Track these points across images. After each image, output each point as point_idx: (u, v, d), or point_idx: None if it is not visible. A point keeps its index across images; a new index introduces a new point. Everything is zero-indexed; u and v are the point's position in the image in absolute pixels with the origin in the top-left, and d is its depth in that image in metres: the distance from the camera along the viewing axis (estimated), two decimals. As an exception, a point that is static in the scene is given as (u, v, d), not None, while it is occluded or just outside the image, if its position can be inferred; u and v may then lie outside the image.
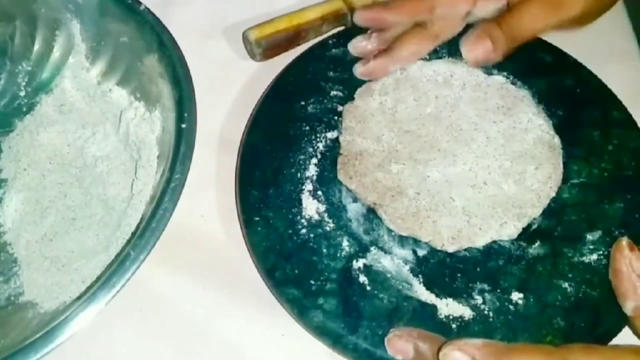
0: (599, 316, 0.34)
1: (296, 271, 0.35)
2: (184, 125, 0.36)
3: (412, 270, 0.35)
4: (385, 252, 0.36)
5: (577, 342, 0.30)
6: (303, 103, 0.41)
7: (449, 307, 0.34)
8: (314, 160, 0.39)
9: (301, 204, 0.37)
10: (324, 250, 0.36)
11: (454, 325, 0.34)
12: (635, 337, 0.33)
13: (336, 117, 0.41)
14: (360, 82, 0.42)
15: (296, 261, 0.35)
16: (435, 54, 0.43)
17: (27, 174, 0.40)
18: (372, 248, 0.36)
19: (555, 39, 0.43)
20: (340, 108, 0.41)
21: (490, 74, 0.42)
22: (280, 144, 0.40)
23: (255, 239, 0.36)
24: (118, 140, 0.41)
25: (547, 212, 0.37)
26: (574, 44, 0.43)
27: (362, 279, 0.35)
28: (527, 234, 0.36)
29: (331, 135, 0.40)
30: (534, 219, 0.37)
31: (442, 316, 0.34)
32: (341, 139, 0.40)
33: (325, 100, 0.41)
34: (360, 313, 0.34)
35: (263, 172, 0.38)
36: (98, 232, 0.37)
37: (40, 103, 0.43)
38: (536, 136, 0.39)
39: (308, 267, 0.35)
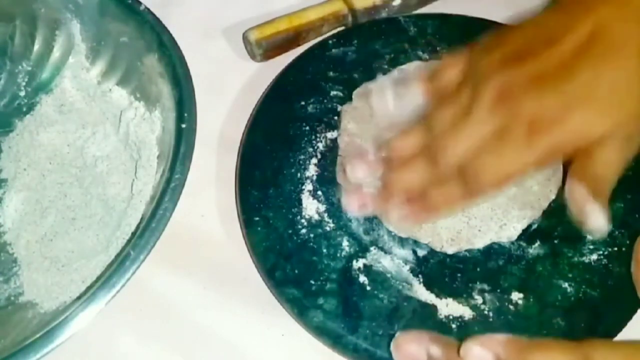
0: (599, 316, 0.34)
1: (296, 271, 0.35)
2: (184, 125, 0.36)
3: (412, 270, 0.35)
4: (385, 252, 0.36)
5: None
6: (303, 103, 0.41)
7: (449, 307, 0.34)
8: (314, 160, 0.39)
9: (301, 204, 0.37)
10: (324, 250, 0.36)
11: (454, 325, 0.34)
12: (635, 339, 0.33)
13: (336, 117, 0.41)
14: (360, 83, 0.42)
15: (296, 261, 0.35)
16: (435, 54, 0.43)
17: (27, 174, 0.40)
18: (372, 248, 0.36)
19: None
20: (340, 108, 0.41)
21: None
22: (280, 144, 0.40)
23: (255, 239, 0.36)
24: (118, 140, 0.41)
25: (547, 213, 0.37)
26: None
27: (362, 279, 0.35)
28: (527, 234, 0.36)
29: (331, 135, 0.40)
30: (534, 219, 0.37)
31: (442, 316, 0.34)
32: (339, 140, 0.40)
33: (325, 101, 0.41)
34: (360, 313, 0.34)
35: (263, 172, 0.38)
36: (98, 232, 0.37)
37: (40, 103, 0.43)
38: (536, 136, 0.39)
39: (308, 267, 0.35)
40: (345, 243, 0.36)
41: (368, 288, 0.35)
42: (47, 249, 0.37)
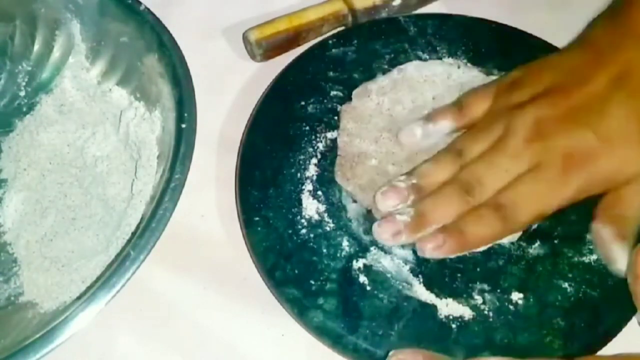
0: (599, 316, 0.34)
1: (296, 271, 0.35)
2: (184, 125, 0.36)
3: (412, 270, 0.35)
4: (385, 252, 0.36)
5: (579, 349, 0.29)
6: (303, 103, 0.41)
7: (449, 307, 0.34)
8: (314, 161, 0.39)
9: (301, 204, 0.37)
10: (324, 250, 0.36)
11: (453, 325, 0.34)
12: (634, 340, 0.33)
13: (336, 118, 0.41)
14: (360, 83, 0.42)
15: (296, 261, 0.35)
16: (435, 54, 0.43)
17: (27, 174, 0.40)
18: (372, 248, 0.36)
19: (556, 39, 0.43)
20: (340, 108, 0.41)
21: (489, 74, 0.42)
22: (280, 144, 0.40)
23: (255, 239, 0.36)
24: (118, 140, 0.41)
25: (547, 212, 0.37)
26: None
27: (362, 279, 0.35)
28: (527, 234, 0.36)
29: (331, 135, 0.40)
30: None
31: (442, 316, 0.34)
32: (339, 140, 0.40)
33: (325, 101, 0.41)
34: (360, 313, 0.34)
35: (263, 172, 0.38)
36: (98, 232, 0.37)
37: (40, 103, 0.43)
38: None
39: (308, 267, 0.35)
40: (345, 243, 0.36)
41: (368, 288, 0.35)
42: (47, 249, 0.37)
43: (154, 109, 0.40)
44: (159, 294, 0.37)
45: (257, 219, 0.37)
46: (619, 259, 0.33)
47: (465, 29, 0.44)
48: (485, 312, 0.34)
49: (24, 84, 0.43)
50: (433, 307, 0.34)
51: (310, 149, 0.40)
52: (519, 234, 0.36)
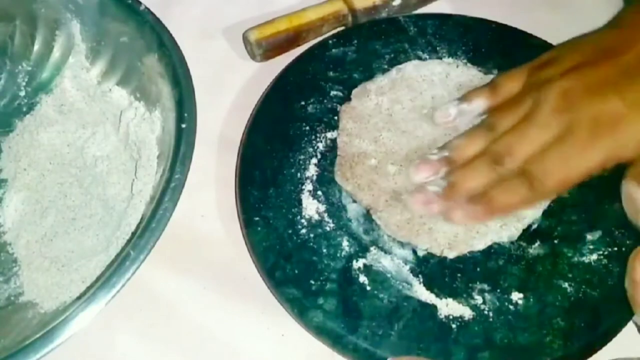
0: (599, 316, 0.34)
1: (296, 271, 0.35)
2: (184, 125, 0.36)
3: (412, 270, 0.35)
4: (385, 252, 0.36)
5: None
6: (303, 103, 0.41)
7: (449, 307, 0.34)
8: (314, 160, 0.39)
9: (301, 204, 0.37)
10: (324, 250, 0.36)
11: (454, 325, 0.34)
12: (634, 340, 0.33)
13: (336, 117, 0.41)
14: (360, 83, 0.42)
15: (296, 261, 0.35)
16: (435, 54, 0.43)
17: (27, 174, 0.40)
18: (372, 248, 0.36)
19: (556, 39, 0.43)
20: (340, 108, 0.41)
21: (488, 73, 0.42)
22: (280, 144, 0.40)
23: (255, 239, 0.36)
24: (118, 140, 0.41)
25: (547, 212, 0.37)
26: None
27: (362, 279, 0.35)
28: (527, 234, 0.36)
29: (331, 135, 0.40)
30: (534, 219, 0.37)
31: (442, 316, 0.34)
32: (338, 140, 0.40)
33: (325, 101, 0.41)
34: (360, 313, 0.34)
35: (263, 172, 0.38)
36: (98, 232, 0.37)
37: (40, 103, 0.43)
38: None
39: (308, 267, 0.35)
40: (345, 243, 0.36)
41: (368, 288, 0.35)
42: (47, 249, 0.37)
43: (154, 109, 0.40)
44: (159, 294, 0.37)
45: (257, 219, 0.37)
46: None
47: (465, 29, 0.44)
48: (485, 312, 0.34)
49: (24, 84, 0.43)
50: (433, 307, 0.34)
51: (310, 149, 0.40)
52: (519, 232, 0.36)
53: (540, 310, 0.34)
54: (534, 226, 0.37)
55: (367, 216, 0.37)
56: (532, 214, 0.37)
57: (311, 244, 0.36)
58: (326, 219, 0.37)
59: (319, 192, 0.38)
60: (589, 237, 0.36)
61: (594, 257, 0.35)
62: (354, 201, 0.38)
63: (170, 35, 0.39)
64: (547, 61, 0.37)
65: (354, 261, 0.35)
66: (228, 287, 0.37)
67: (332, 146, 0.40)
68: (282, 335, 0.35)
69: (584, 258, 0.36)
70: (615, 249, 0.36)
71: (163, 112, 0.39)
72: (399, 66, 0.42)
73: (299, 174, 0.39)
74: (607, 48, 0.36)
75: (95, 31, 0.42)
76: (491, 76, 0.42)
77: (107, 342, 0.35)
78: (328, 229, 0.37)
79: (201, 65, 0.41)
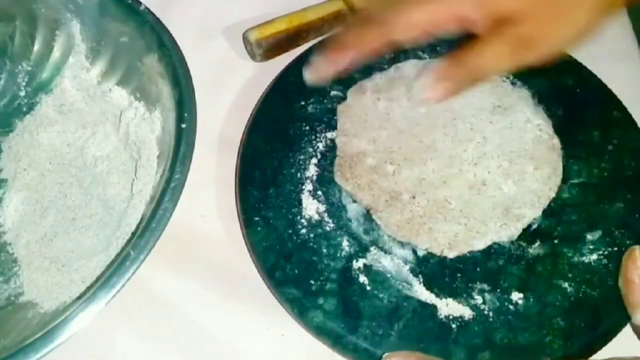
0: (599, 316, 0.34)
1: (296, 271, 0.35)
2: (184, 125, 0.36)
3: (412, 270, 0.35)
4: (385, 252, 0.36)
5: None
6: (303, 103, 0.41)
7: (449, 307, 0.34)
8: (314, 160, 0.39)
9: (301, 204, 0.37)
10: (324, 250, 0.36)
11: (454, 325, 0.34)
12: (634, 340, 0.33)
13: (336, 117, 0.41)
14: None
15: (296, 261, 0.35)
16: (435, 54, 0.43)
17: (27, 174, 0.40)
18: (372, 248, 0.36)
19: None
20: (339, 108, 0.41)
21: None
22: (280, 144, 0.40)
23: (255, 239, 0.36)
24: (118, 140, 0.41)
25: (547, 212, 0.37)
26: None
27: (362, 279, 0.35)
28: (527, 234, 0.36)
29: (331, 135, 0.40)
30: (534, 219, 0.37)
31: (442, 316, 0.34)
32: (337, 140, 0.40)
33: (325, 100, 0.41)
34: (360, 313, 0.34)
35: (263, 172, 0.38)
36: (98, 232, 0.37)
37: (40, 103, 0.43)
38: (534, 136, 0.39)
39: (308, 267, 0.35)
40: (345, 243, 0.36)
41: (368, 288, 0.35)
42: (47, 249, 0.37)
43: (154, 109, 0.40)
44: (159, 294, 0.37)
45: (257, 219, 0.37)
46: None
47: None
48: (485, 312, 0.34)
49: (24, 84, 0.43)
50: (433, 307, 0.34)
51: (310, 149, 0.40)
52: (518, 232, 0.36)
53: (540, 310, 0.34)
54: (534, 226, 0.37)
55: (367, 216, 0.37)
56: (532, 214, 0.37)
57: (311, 244, 0.36)
58: (326, 219, 0.37)
59: (319, 192, 0.38)
60: (589, 237, 0.36)
61: (594, 257, 0.35)
62: (354, 201, 0.38)
63: (170, 35, 0.39)
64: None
65: (354, 261, 0.35)
66: (228, 287, 0.37)
67: (332, 146, 0.40)
68: (282, 335, 0.35)
69: (584, 258, 0.36)
70: (615, 249, 0.36)
71: (163, 112, 0.39)
72: (398, 64, 0.42)
73: (299, 174, 0.39)
74: None
75: (95, 31, 0.42)
76: (491, 76, 0.42)
77: (107, 342, 0.35)
78: (328, 229, 0.37)
79: (201, 65, 0.41)
